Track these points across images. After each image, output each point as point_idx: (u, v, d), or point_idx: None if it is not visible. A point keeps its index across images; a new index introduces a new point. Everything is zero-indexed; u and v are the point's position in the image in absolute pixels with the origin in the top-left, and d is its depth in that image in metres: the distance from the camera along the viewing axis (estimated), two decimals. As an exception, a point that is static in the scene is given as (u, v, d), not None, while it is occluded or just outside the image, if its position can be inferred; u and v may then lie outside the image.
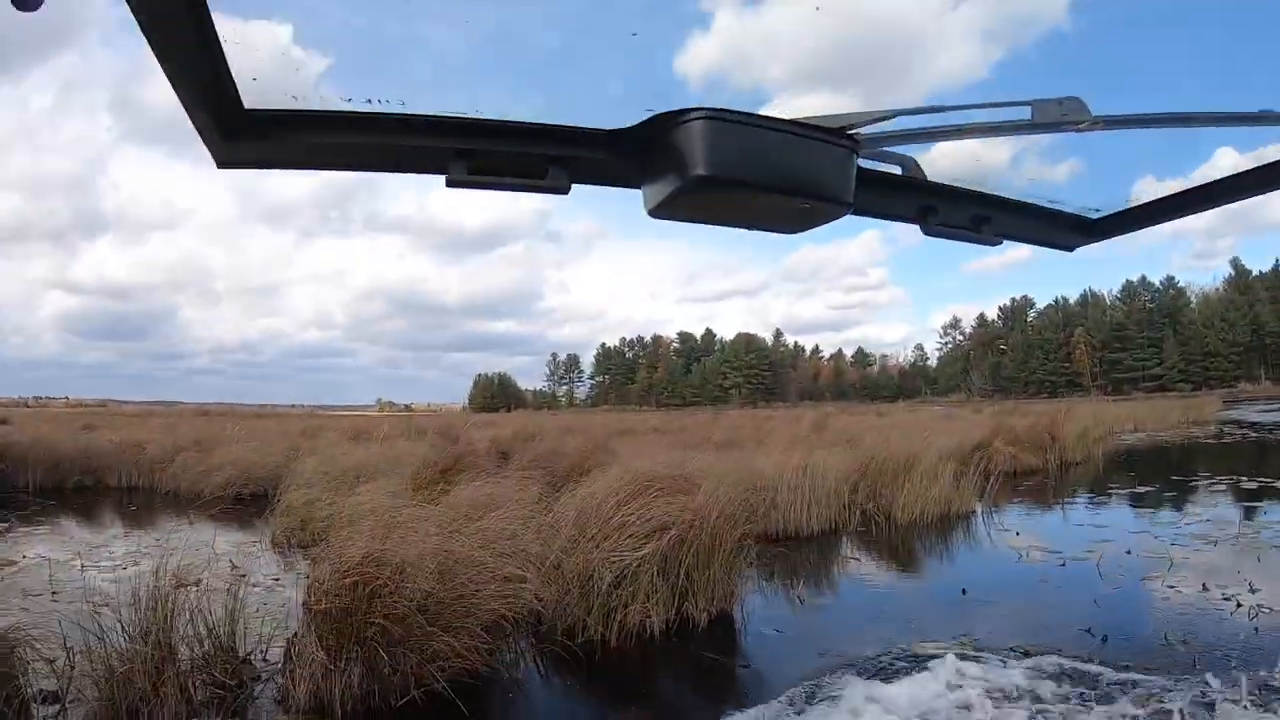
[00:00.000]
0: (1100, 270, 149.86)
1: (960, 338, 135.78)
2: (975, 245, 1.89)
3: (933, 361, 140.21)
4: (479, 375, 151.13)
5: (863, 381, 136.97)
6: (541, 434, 26.55)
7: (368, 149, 1.56)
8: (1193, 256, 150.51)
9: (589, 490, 9.21)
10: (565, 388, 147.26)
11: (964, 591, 9.96)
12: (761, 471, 14.21)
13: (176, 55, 1.26)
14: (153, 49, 1.21)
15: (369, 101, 1.45)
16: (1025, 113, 1.51)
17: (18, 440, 22.32)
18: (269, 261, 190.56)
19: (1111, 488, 20.19)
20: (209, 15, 1.21)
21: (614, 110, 1.51)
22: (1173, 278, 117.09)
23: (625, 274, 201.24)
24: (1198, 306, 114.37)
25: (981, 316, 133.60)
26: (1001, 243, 1.92)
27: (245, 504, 16.81)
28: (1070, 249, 2.12)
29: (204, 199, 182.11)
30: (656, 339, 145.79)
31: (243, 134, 1.47)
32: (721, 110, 1.37)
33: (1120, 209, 2.00)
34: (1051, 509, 17.39)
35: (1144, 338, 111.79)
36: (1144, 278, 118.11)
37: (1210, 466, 23.14)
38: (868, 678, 6.99)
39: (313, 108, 1.47)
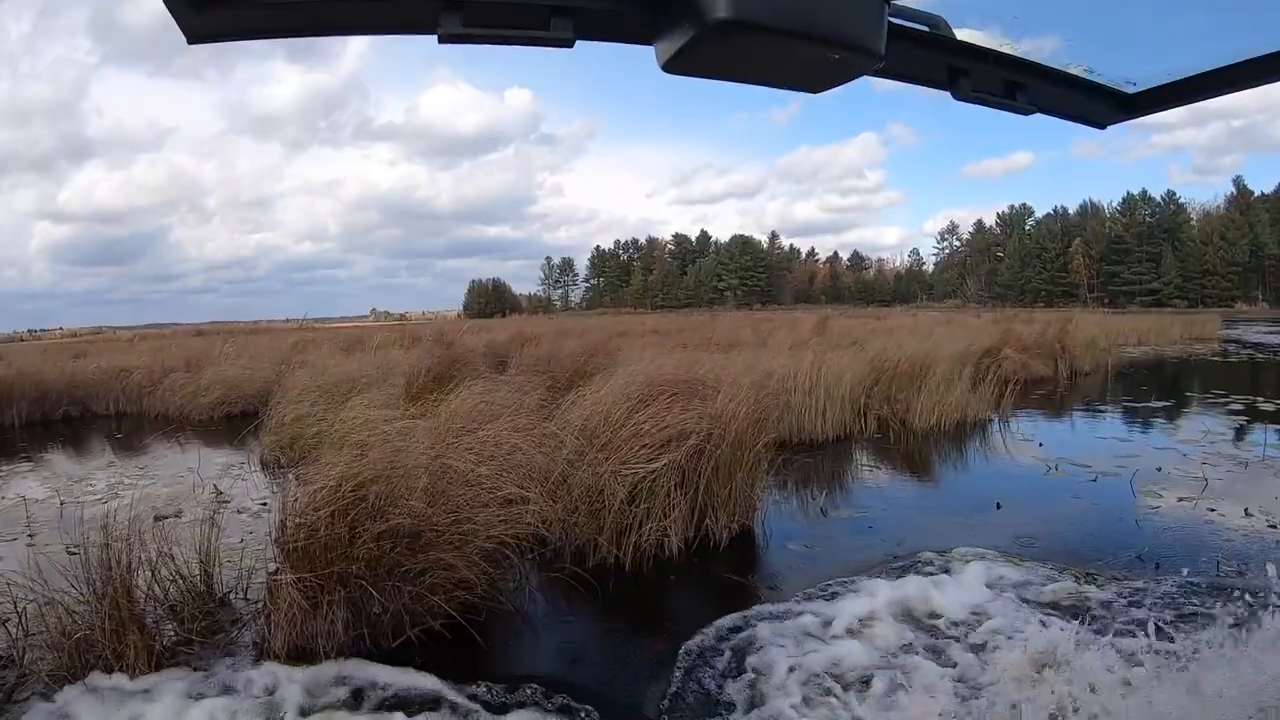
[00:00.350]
0: (1101, 180, 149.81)
1: (957, 244, 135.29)
2: (1007, 113, 1.79)
3: (929, 267, 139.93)
4: (473, 281, 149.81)
5: (858, 285, 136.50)
6: (538, 338, 25.98)
7: (354, 8, 1.44)
8: (1193, 172, 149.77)
9: (595, 396, 8.48)
10: (560, 291, 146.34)
11: (998, 506, 9.43)
12: (772, 373, 13.31)
13: None
14: None
15: None
16: None
17: (3, 375, 21.48)
18: (259, 175, 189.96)
19: (1128, 401, 19.66)
20: None
21: None
22: (1173, 193, 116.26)
23: (619, 175, 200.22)
24: (1198, 223, 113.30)
25: (979, 223, 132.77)
26: (1034, 112, 1.82)
27: (235, 423, 16.04)
28: (1103, 126, 2.00)
29: (188, 116, 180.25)
30: (651, 241, 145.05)
31: (215, 2, 1.32)
32: None
33: (1160, 83, 1.87)
34: (1070, 420, 16.92)
35: (1143, 251, 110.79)
36: (1145, 191, 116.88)
37: (1224, 384, 22.53)
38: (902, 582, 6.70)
39: None
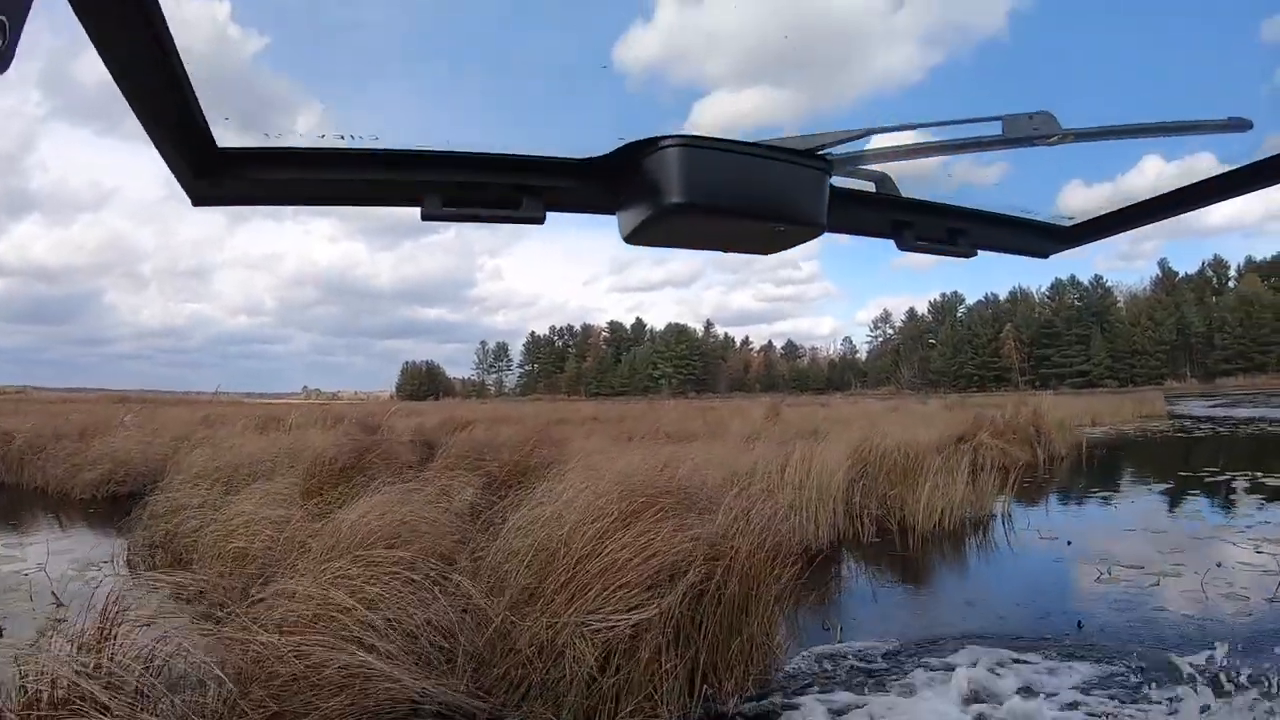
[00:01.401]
0: (1029, 268, 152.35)
1: (890, 331, 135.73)
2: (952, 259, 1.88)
3: (862, 355, 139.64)
4: (406, 363, 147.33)
5: (792, 373, 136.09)
6: (471, 423, 23.70)
7: (341, 185, 1.53)
8: (1117, 258, 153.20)
9: (550, 507, 6.16)
10: (494, 376, 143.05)
11: (1080, 625, 7.79)
12: (753, 471, 11.69)
13: (146, 96, 1.24)
14: (122, 91, 1.19)
15: (342, 138, 1.43)
16: (996, 128, 1.48)
17: None
18: (198, 245, 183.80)
19: (1128, 484, 18.69)
20: (178, 55, 1.18)
21: (587, 139, 1.47)
22: (1100, 277, 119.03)
23: (559, 261, 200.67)
24: (1125, 306, 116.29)
25: (911, 311, 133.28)
26: (977, 254, 1.90)
27: (120, 504, 13.74)
28: (1045, 255, 2.12)
29: (132, 178, 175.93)
30: (587, 328, 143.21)
31: (216, 173, 1.44)
32: (694, 137, 1.36)
33: (1095, 215, 1.99)
34: (1080, 509, 15.56)
35: (1072, 335, 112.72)
36: (1073, 277, 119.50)
37: (1207, 460, 21.94)
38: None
39: (287, 144, 1.44)
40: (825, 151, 1.43)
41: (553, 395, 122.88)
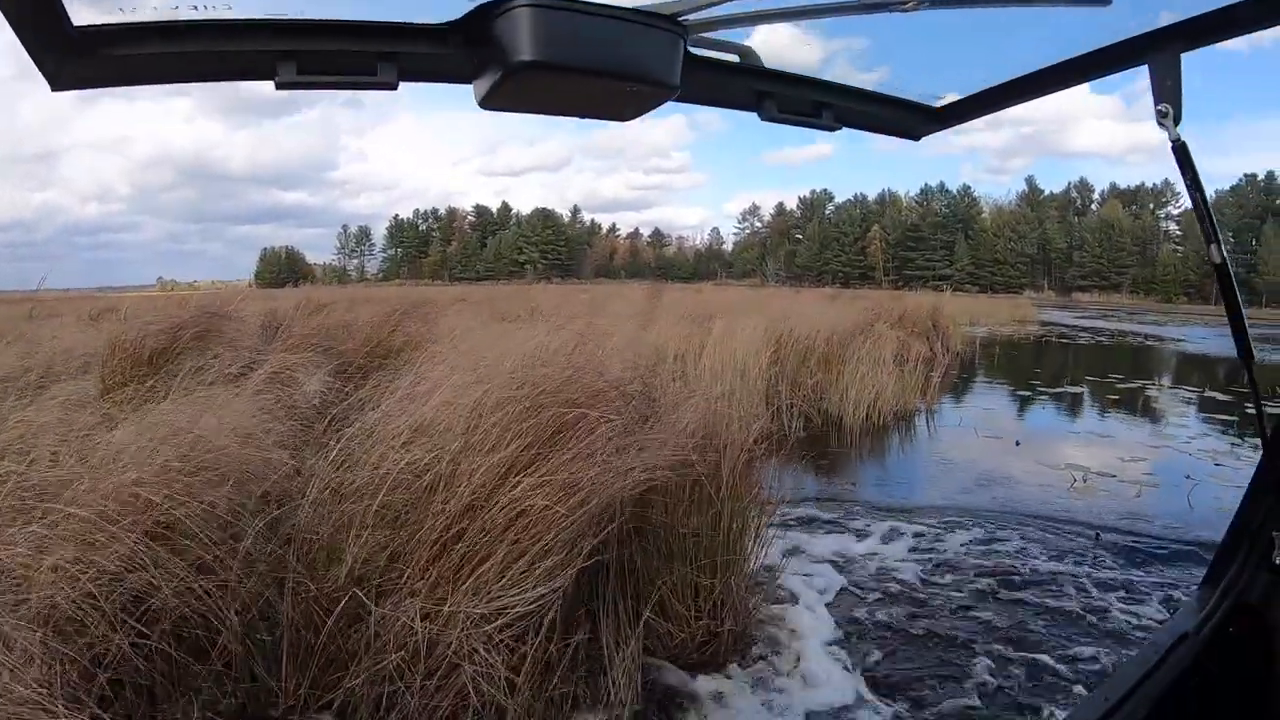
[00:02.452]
0: (898, 172, 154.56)
1: (759, 224, 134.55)
2: (815, 131, 1.91)
3: (729, 246, 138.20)
4: (265, 249, 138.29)
5: (658, 261, 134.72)
6: (328, 305, 21.39)
7: (198, 58, 1.45)
8: (985, 170, 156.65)
9: (423, 409, 4.20)
10: (356, 262, 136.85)
11: (1096, 536, 7.07)
12: (663, 355, 10.08)
13: None
14: None
15: (195, 9, 1.36)
16: None
17: None
18: (44, 125, 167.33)
19: (1047, 388, 17.57)
20: None
21: (443, 5, 1.49)
22: (968, 186, 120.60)
23: (427, 142, 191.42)
24: (990, 216, 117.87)
25: (780, 205, 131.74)
26: (840, 128, 1.90)
27: None
28: (916, 137, 2.15)
29: None
30: (451, 211, 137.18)
31: (73, 53, 1.38)
32: None
33: (962, 96, 2.04)
34: (1013, 409, 14.93)
35: (937, 240, 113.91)
36: (942, 184, 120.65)
37: (1111, 369, 21.77)
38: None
39: (142, 19, 1.39)
40: (682, 17, 1.44)
41: (416, 280, 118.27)
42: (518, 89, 1.42)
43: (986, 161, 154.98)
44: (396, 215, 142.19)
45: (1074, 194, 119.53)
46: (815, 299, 30.11)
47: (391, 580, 3.28)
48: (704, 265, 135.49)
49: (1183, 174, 1.77)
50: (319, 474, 3.81)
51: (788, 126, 1.82)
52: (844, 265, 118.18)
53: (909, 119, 2.04)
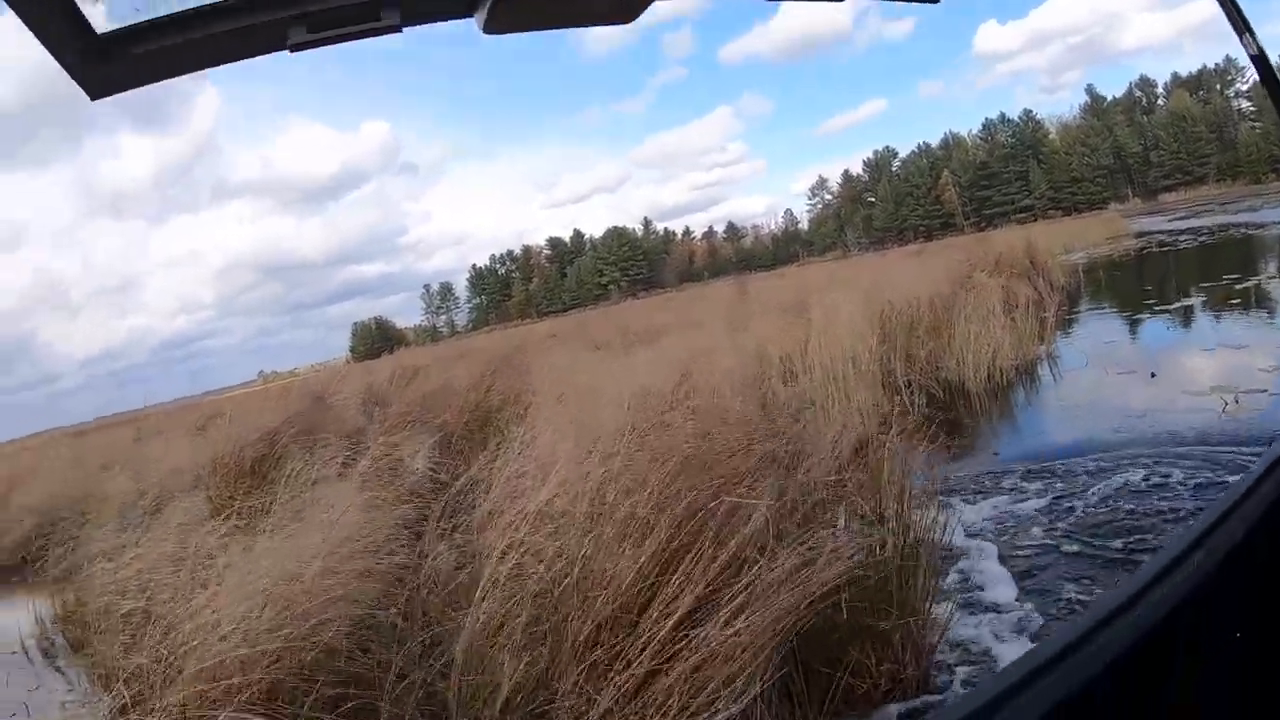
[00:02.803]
0: (952, 115, 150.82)
1: (829, 196, 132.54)
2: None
3: (804, 225, 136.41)
4: (355, 324, 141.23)
5: (738, 255, 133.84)
6: (422, 368, 21.72)
7: (215, 40, 1.53)
8: (1040, 91, 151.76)
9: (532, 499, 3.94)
10: (444, 317, 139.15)
11: None
12: (764, 356, 10.02)
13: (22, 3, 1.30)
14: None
15: None
16: None
17: None
18: (122, 256, 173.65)
19: (1162, 305, 16.43)
20: None
21: None
22: (1030, 111, 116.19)
23: (486, 191, 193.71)
24: (1058, 136, 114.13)
25: (846, 173, 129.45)
26: None
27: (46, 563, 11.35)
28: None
29: (41, 206, 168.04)
30: (526, 250, 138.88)
31: (102, 59, 1.49)
32: None
33: None
34: (1135, 337, 13.87)
35: (1009, 172, 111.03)
36: (1002, 115, 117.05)
37: (1220, 270, 19.90)
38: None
39: (157, 15, 1.48)
40: None
41: (505, 323, 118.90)
42: (516, 4, 1.49)
43: (1038, 81, 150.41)
44: (474, 265, 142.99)
45: (1137, 93, 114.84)
46: (902, 260, 29.51)
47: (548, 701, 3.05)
48: (783, 249, 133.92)
49: (1266, 88, 1.73)
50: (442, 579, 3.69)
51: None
52: (922, 218, 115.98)
53: None
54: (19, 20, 1.30)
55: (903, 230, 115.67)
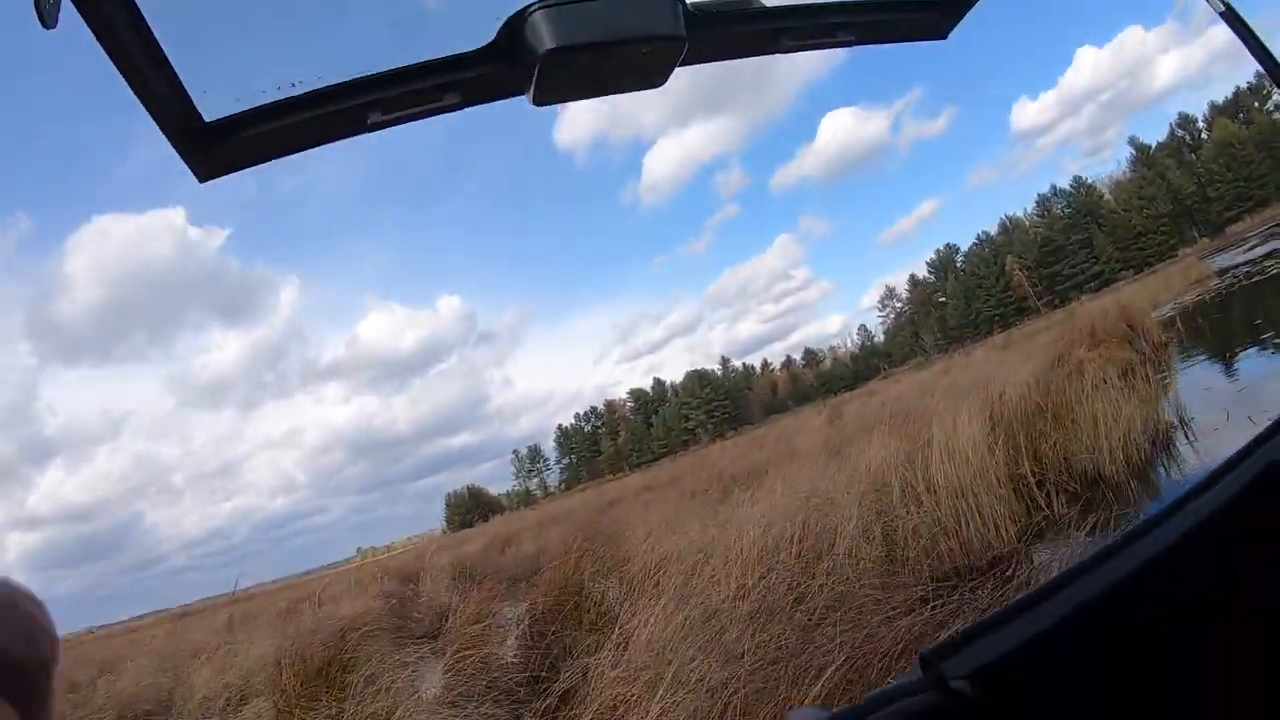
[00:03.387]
0: (1006, 198, 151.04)
1: (899, 305, 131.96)
2: (834, 49, 2.03)
3: (879, 337, 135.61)
4: (448, 494, 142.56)
5: (819, 379, 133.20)
6: (515, 535, 21.19)
7: (307, 125, 1.78)
8: (1085, 155, 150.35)
9: None
10: (536, 480, 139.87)
11: None
12: (883, 481, 9.06)
13: (143, 83, 1.53)
14: (130, 85, 1.52)
15: (293, 86, 1.70)
16: None
17: None
18: (219, 442, 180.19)
19: (1273, 333, 16.40)
20: (159, 46, 1.51)
21: (480, 34, 1.80)
22: (1080, 177, 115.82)
23: (563, 352, 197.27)
24: (1112, 195, 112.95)
25: (912, 278, 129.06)
26: (859, 42, 2.04)
27: None
28: (944, 35, 2.17)
29: (139, 398, 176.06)
30: (609, 404, 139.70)
31: (209, 143, 1.73)
32: None
33: None
34: (1269, 372, 13.17)
35: (1073, 243, 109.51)
36: (1054, 187, 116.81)
37: None
38: None
39: (257, 104, 1.72)
40: None
41: (597, 479, 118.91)
42: (556, 78, 1.72)
43: (1080, 146, 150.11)
44: (560, 425, 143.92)
45: (1179, 132, 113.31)
46: (993, 355, 28.76)
47: None
48: (863, 365, 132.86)
49: (1240, 37, 1.81)
50: None
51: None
52: (994, 308, 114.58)
53: (924, 16, 2.08)
54: (144, 110, 1.50)
55: (978, 324, 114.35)
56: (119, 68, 1.44)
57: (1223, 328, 20.20)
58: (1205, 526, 1.44)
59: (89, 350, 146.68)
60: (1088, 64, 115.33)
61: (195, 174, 1.74)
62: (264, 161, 1.84)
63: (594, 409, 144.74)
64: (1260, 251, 44.59)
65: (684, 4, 1.72)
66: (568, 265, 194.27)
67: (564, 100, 1.88)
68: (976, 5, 2.03)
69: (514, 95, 1.82)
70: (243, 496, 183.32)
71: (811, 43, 1.97)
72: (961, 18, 2.10)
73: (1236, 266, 41.08)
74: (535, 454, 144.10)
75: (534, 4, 1.64)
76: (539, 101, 1.78)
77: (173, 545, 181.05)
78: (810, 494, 8.23)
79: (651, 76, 1.85)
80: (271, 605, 24.18)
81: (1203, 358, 16.67)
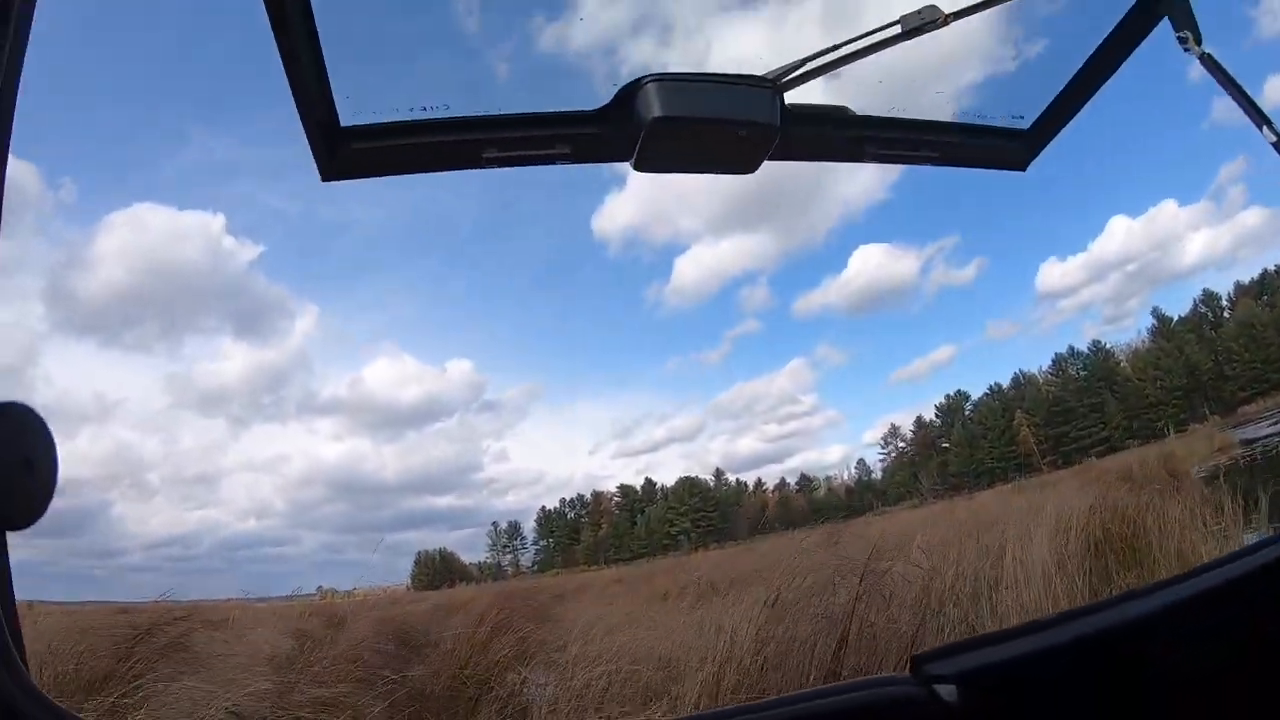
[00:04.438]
0: (1021, 355, 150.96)
1: (901, 445, 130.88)
2: (915, 166, 2.36)
3: (877, 474, 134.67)
4: (419, 553, 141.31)
5: (811, 506, 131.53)
6: (473, 601, 19.86)
7: (427, 149, 2.01)
8: (1105, 322, 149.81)
9: None
10: (510, 556, 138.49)
11: None
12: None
13: (299, 72, 1.76)
14: (287, 72, 1.75)
15: (424, 110, 1.95)
16: (896, 28, 1.98)
17: None
18: (203, 451, 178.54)
19: None
20: (319, 41, 1.75)
21: (598, 97, 2.03)
22: (1098, 341, 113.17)
23: (563, 435, 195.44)
24: (1129, 363, 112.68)
25: (919, 420, 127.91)
26: (939, 161, 2.28)
27: None
28: (1022, 167, 2.36)
29: (135, 389, 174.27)
30: (597, 496, 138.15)
31: (339, 147, 1.95)
32: (665, 73, 1.93)
33: (1043, 107, 2.27)
34: None
35: (1084, 406, 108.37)
36: (1072, 348, 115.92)
37: None
38: None
39: (388, 120, 1.97)
40: (772, 75, 1.96)
41: (571, 567, 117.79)
42: (657, 148, 1.94)
43: (1103, 312, 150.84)
44: (544, 507, 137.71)
45: (1202, 308, 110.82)
46: (1006, 498, 27.49)
47: None
48: (857, 499, 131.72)
49: (1217, 79, 1.98)
50: None
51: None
52: (997, 460, 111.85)
53: (1007, 147, 2.32)
54: (293, 103, 1.73)
55: (979, 474, 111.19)
56: (282, 52, 1.57)
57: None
58: (1220, 593, 1.50)
59: (99, 330, 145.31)
60: (1120, 233, 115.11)
61: (320, 170, 1.88)
62: (383, 174, 1.99)
63: (581, 497, 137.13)
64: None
65: (782, 99, 1.95)
66: (583, 351, 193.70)
67: (663, 170, 2.08)
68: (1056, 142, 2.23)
69: (619, 159, 2.00)
70: (215, 509, 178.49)
71: (894, 155, 2.16)
72: (1041, 151, 2.27)
73: (1262, 438, 41.92)
74: (515, 530, 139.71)
75: (649, 77, 1.88)
76: (640, 167, 1.97)
77: (134, 542, 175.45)
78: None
79: (743, 162, 2.05)
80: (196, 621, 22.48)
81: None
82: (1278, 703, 1.36)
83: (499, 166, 1.94)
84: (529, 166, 1.97)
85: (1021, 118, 2.27)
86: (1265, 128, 1.81)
